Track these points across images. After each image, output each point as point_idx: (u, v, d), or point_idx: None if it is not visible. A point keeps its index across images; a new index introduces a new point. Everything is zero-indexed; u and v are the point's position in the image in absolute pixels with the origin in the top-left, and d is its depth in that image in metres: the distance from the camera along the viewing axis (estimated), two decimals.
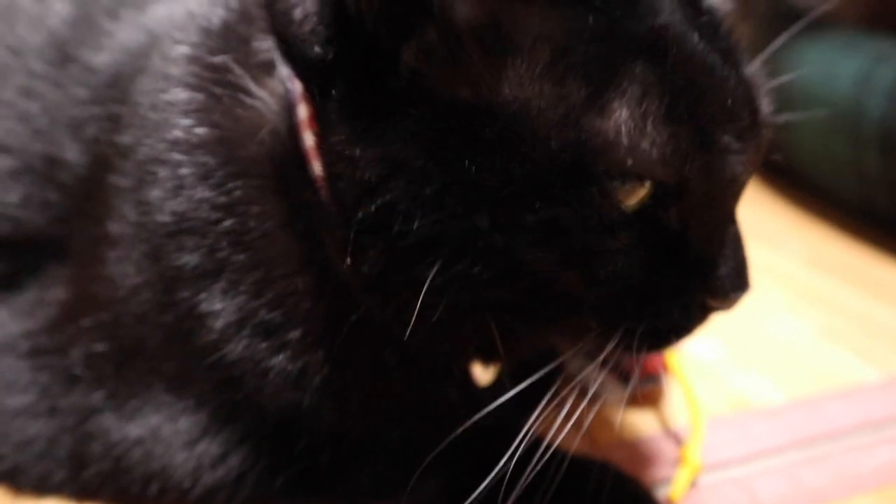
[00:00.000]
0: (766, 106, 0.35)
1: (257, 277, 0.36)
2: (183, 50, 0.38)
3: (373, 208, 0.30)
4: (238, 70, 0.36)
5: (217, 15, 0.39)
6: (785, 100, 0.90)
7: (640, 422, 0.50)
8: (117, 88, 0.43)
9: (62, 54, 0.46)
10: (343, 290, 0.35)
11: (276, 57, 0.36)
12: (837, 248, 0.80)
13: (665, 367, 0.50)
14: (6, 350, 0.43)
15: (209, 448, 0.39)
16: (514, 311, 0.33)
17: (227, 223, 0.35)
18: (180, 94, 0.37)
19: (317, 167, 0.33)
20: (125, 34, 0.46)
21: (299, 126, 0.34)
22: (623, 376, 0.49)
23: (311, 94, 0.33)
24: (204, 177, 0.35)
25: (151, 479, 0.40)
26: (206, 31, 0.39)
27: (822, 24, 0.92)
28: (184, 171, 0.36)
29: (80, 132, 0.43)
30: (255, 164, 0.36)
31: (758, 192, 0.97)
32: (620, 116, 0.28)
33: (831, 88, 0.83)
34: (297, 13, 0.31)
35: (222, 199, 0.35)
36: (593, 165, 0.28)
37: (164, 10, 0.45)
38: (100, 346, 0.41)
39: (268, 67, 0.36)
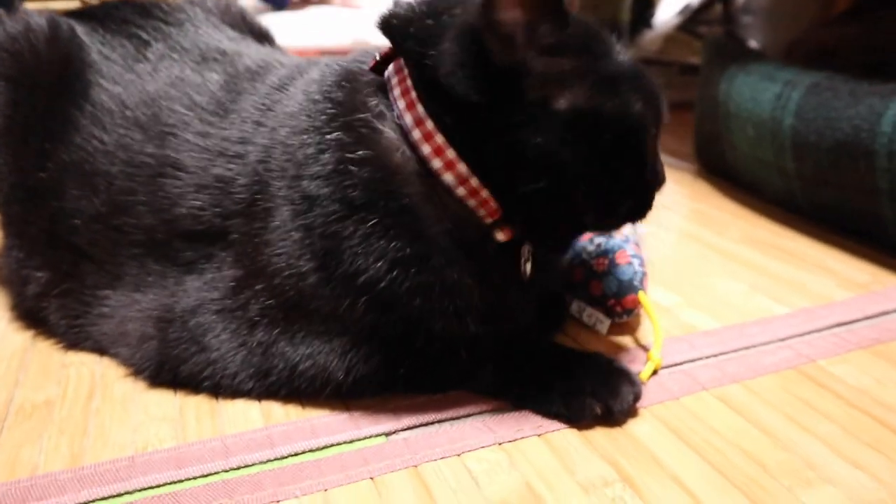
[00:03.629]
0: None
1: (407, 231, 0.55)
2: (329, 110, 0.58)
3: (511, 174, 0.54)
4: (371, 119, 0.57)
5: (340, 90, 0.59)
6: (724, 115, 1.16)
7: (622, 340, 0.72)
8: (268, 135, 0.61)
9: (222, 108, 0.65)
10: (462, 224, 0.56)
11: (384, 107, 0.57)
12: (764, 230, 1.04)
13: (639, 305, 0.72)
14: (203, 309, 0.62)
15: (357, 353, 0.58)
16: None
17: (387, 203, 0.54)
18: (336, 135, 0.56)
19: (437, 163, 0.55)
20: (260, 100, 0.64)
21: (417, 142, 0.55)
22: (607, 311, 0.72)
23: (437, 119, 0.54)
24: (368, 180, 0.55)
25: (316, 377, 0.59)
26: (337, 102, 0.58)
27: (751, 58, 1.16)
28: (351, 178, 0.55)
29: (242, 160, 0.61)
30: (399, 166, 0.55)
31: (708, 191, 1.21)
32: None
33: (757, 107, 1.06)
34: (457, 77, 0.52)
35: (382, 189, 0.55)
36: None
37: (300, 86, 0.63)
38: (270, 301, 0.59)
39: (382, 114, 0.57)
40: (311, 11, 1.89)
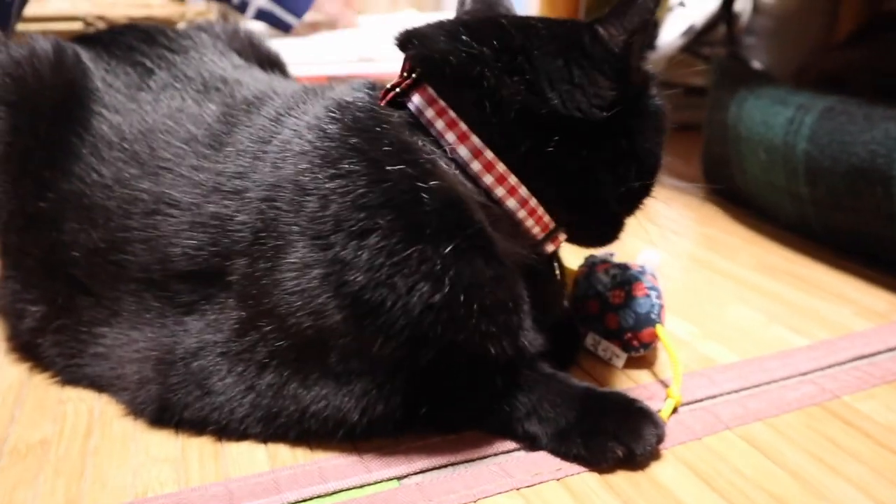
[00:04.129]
0: None
1: (483, 253, 0.54)
2: (385, 147, 0.54)
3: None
4: (430, 154, 0.55)
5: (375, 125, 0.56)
6: (734, 139, 1.14)
7: (639, 375, 0.70)
8: (269, 170, 0.58)
9: (217, 141, 0.63)
10: (518, 244, 0.58)
11: (429, 142, 0.56)
12: (777, 256, 1.02)
13: (656, 338, 0.70)
14: (206, 352, 0.59)
15: (378, 393, 0.55)
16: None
17: (461, 229, 0.53)
18: (399, 168, 0.53)
19: (500, 191, 0.55)
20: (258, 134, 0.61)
21: (478, 174, 0.55)
22: (624, 345, 0.70)
23: (497, 147, 0.55)
24: (441, 208, 0.53)
25: (329, 419, 0.56)
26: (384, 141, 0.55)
27: (761, 82, 1.15)
28: (422, 206, 0.52)
29: (240, 196, 0.58)
30: (466, 196, 0.54)
31: (717, 215, 1.19)
32: None
33: (769, 131, 1.05)
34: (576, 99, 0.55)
35: (455, 216, 0.53)
36: None
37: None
38: (281, 343, 0.56)
39: (433, 150, 0.56)
40: (319, 37, 1.88)
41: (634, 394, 0.62)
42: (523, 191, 0.56)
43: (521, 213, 0.57)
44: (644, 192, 0.62)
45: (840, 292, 0.89)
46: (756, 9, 1.76)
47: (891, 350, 0.75)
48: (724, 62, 1.31)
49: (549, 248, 0.60)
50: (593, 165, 0.57)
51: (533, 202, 0.57)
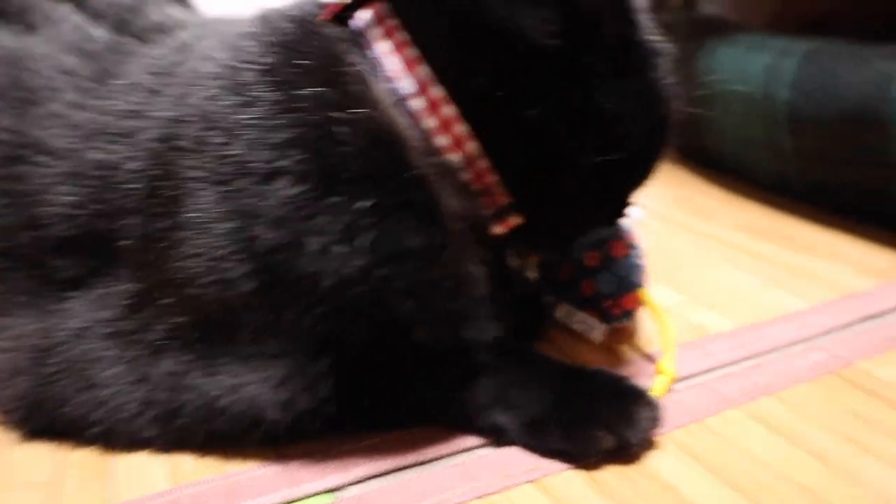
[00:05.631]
0: None
1: (418, 214, 0.43)
2: (298, 61, 0.44)
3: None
4: (363, 74, 0.44)
5: (304, 38, 0.46)
6: (706, 96, 1.04)
7: (622, 350, 0.59)
8: (169, 104, 0.47)
9: (106, 73, 0.52)
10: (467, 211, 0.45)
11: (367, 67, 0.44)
12: (760, 216, 0.92)
13: (640, 304, 0.59)
14: (88, 334, 0.48)
15: (301, 381, 0.44)
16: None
17: (392, 178, 0.42)
18: (313, 91, 0.43)
19: (442, 140, 0.44)
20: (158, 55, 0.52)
21: (418, 113, 0.44)
22: (603, 315, 0.59)
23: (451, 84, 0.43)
24: (365, 147, 0.42)
25: (243, 416, 0.45)
26: (305, 52, 0.44)
27: (732, 30, 1.06)
28: (337, 144, 0.42)
29: (131, 139, 0.48)
30: (405, 136, 0.43)
31: (688, 178, 1.10)
32: None
33: (745, 82, 0.95)
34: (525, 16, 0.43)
35: (384, 159, 0.42)
36: None
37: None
38: (183, 319, 0.46)
39: (369, 74, 0.44)
40: None
41: (618, 372, 0.52)
42: (472, 146, 0.44)
43: (466, 174, 0.45)
44: (615, 175, 0.48)
45: (834, 251, 0.80)
46: None
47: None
48: (686, 15, 1.22)
49: (497, 229, 0.48)
50: (546, 120, 0.44)
51: (483, 163, 0.45)
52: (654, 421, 0.46)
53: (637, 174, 0.49)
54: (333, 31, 0.46)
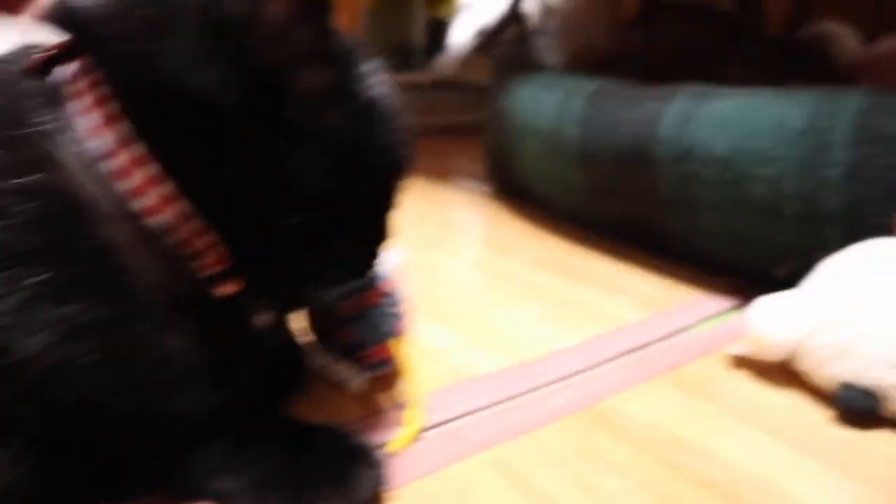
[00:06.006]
0: None
1: (101, 287, 0.40)
2: None
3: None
4: (45, 135, 0.40)
5: None
6: (510, 130, 1.08)
7: (379, 399, 0.58)
8: None
9: None
10: (176, 276, 0.42)
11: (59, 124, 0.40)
12: (555, 250, 0.96)
13: (392, 354, 0.58)
14: None
15: None
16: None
17: (71, 250, 0.39)
18: None
19: (145, 200, 0.40)
20: None
21: (115, 173, 0.40)
22: (360, 364, 0.58)
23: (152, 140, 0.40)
24: (42, 217, 0.39)
25: None
26: None
27: (533, 69, 1.10)
28: (10, 214, 0.38)
29: None
30: (90, 201, 0.40)
31: (498, 211, 1.13)
32: None
33: (539, 119, 0.99)
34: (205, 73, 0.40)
35: (63, 230, 0.39)
36: None
37: None
38: None
39: (59, 132, 0.40)
40: None
41: (371, 423, 0.51)
42: (180, 207, 0.41)
43: (175, 237, 0.42)
44: (326, 233, 0.45)
45: (614, 282, 0.84)
46: (546, 9, 1.75)
47: (661, 339, 0.69)
48: (503, 54, 1.26)
49: (223, 290, 0.44)
50: (236, 181, 0.41)
51: (195, 224, 0.41)
52: (377, 480, 0.44)
53: (359, 229, 0.48)
54: (28, 84, 0.42)
